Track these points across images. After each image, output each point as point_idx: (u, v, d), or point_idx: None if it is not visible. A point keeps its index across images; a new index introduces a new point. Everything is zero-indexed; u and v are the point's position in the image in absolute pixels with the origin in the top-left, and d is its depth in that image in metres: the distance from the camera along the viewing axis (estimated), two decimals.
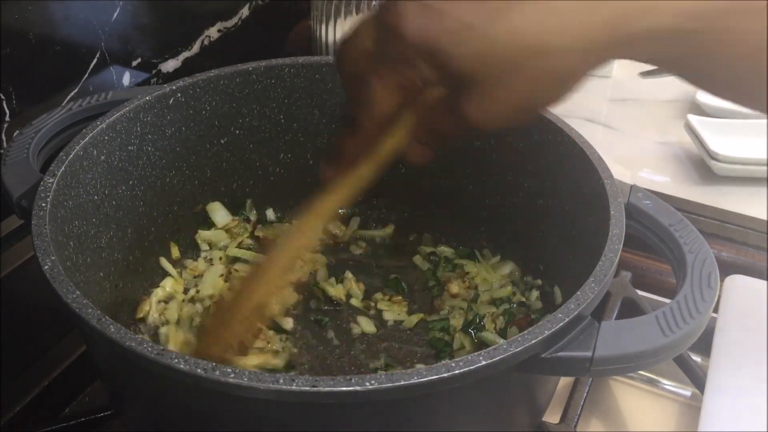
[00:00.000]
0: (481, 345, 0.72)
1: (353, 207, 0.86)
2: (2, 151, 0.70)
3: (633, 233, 0.61)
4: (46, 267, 0.52)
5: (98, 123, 0.66)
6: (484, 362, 0.46)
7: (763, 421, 0.65)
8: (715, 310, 0.74)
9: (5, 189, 0.62)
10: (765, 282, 0.78)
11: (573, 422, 0.67)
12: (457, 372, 0.46)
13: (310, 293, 0.77)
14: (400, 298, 0.77)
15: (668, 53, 0.45)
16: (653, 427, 0.74)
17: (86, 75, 0.87)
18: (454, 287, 0.77)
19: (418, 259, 0.81)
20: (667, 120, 1.15)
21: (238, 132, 0.78)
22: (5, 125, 0.79)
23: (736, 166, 1.00)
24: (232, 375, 0.45)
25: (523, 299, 0.76)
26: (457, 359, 0.46)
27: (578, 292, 0.52)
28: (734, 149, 1.01)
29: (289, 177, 0.83)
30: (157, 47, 0.98)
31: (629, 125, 1.14)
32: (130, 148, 0.70)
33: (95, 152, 0.66)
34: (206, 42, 1.05)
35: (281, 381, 0.44)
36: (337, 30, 1.02)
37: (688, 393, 0.77)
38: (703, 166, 1.02)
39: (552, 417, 0.67)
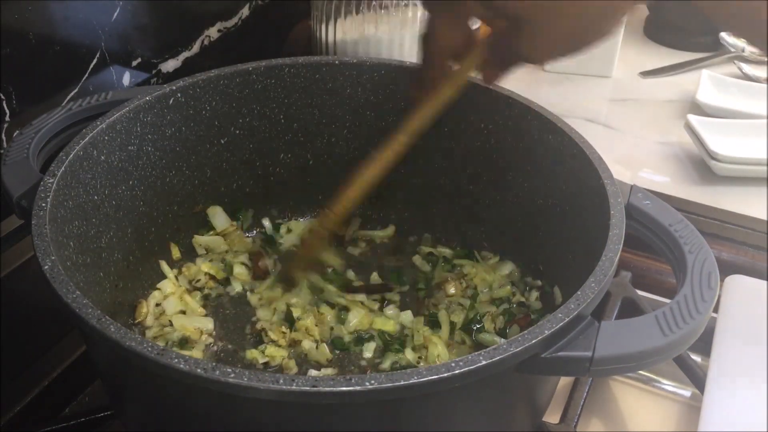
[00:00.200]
0: (478, 346, 0.72)
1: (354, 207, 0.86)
2: (2, 151, 0.70)
3: (633, 233, 0.61)
4: (46, 267, 0.52)
5: (98, 123, 0.66)
6: (484, 362, 0.46)
7: (763, 421, 0.65)
8: (715, 310, 0.74)
9: (5, 189, 0.62)
10: (765, 282, 0.78)
11: (573, 422, 0.68)
12: (457, 372, 0.46)
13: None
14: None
15: None
16: (653, 427, 0.74)
17: (86, 75, 0.87)
18: (451, 288, 0.77)
19: (417, 259, 0.81)
20: (667, 120, 1.15)
21: (238, 132, 0.78)
22: (5, 125, 0.79)
23: (736, 166, 1.00)
24: (232, 375, 0.45)
25: (523, 299, 0.76)
26: (457, 359, 0.46)
27: (578, 292, 0.52)
28: (734, 149, 1.01)
29: (289, 177, 0.83)
30: (157, 47, 0.98)
31: (629, 125, 1.14)
32: (130, 148, 0.70)
33: (95, 152, 0.66)
34: (206, 42, 1.05)
35: (281, 381, 0.44)
36: (337, 30, 1.02)
37: (688, 393, 0.77)
38: (703, 166, 1.02)
39: (552, 417, 0.67)
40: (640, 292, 0.80)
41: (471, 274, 0.79)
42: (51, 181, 0.60)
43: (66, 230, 0.60)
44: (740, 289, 0.78)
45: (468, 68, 0.65)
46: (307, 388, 0.44)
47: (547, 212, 0.72)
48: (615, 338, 0.50)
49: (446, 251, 0.82)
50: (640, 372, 0.78)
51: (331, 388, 0.44)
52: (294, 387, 0.44)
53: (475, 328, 0.73)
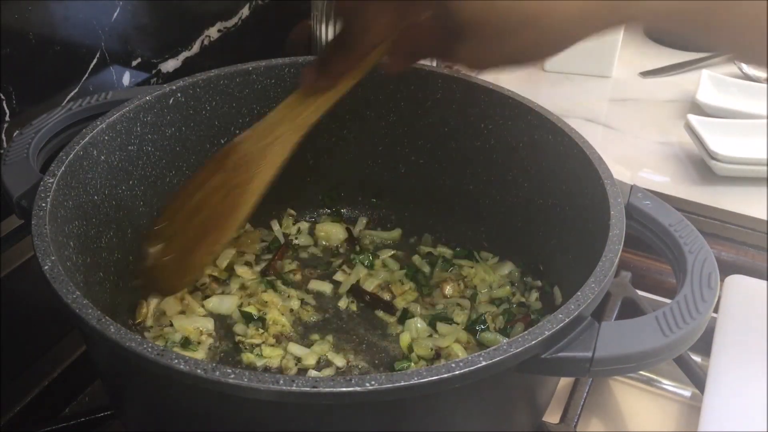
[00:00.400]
0: (481, 345, 0.72)
1: (354, 207, 0.86)
2: (2, 151, 0.70)
3: (633, 233, 0.61)
4: (46, 267, 0.52)
5: (98, 123, 0.66)
6: (484, 363, 0.46)
7: (763, 421, 0.65)
8: (715, 310, 0.74)
9: (5, 189, 0.62)
10: (765, 282, 0.78)
11: (573, 422, 0.68)
12: (457, 372, 0.46)
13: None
14: None
15: (668, 26, 0.47)
16: (653, 427, 0.74)
17: (86, 75, 0.87)
18: (448, 288, 0.77)
19: (417, 259, 0.81)
20: (667, 120, 1.15)
21: (238, 132, 0.78)
22: (5, 125, 0.79)
23: (736, 166, 1.00)
24: (232, 375, 0.45)
25: (523, 299, 0.76)
26: (457, 359, 0.46)
27: (578, 293, 0.52)
28: (734, 149, 1.01)
29: (289, 177, 0.83)
30: (157, 47, 0.98)
31: (629, 125, 1.14)
32: (130, 148, 0.70)
33: (95, 152, 0.66)
34: (206, 42, 1.05)
35: (281, 381, 0.44)
36: (337, 30, 1.02)
37: (688, 393, 0.77)
38: (703, 166, 1.02)
39: (552, 417, 0.67)
40: (640, 292, 0.80)
41: (470, 274, 0.78)
42: (51, 181, 0.60)
43: (66, 230, 0.60)
44: (740, 289, 0.78)
45: (382, 53, 0.59)
46: (307, 389, 0.44)
47: (547, 212, 0.72)
48: (615, 339, 0.50)
49: (446, 251, 0.82)
50: (640, 372, 0.78)
51: (331, 389, 0.44)
52: (294, 388, 0.44)
53: (479, 328, 0.73)
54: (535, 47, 0.49)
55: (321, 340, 0.72)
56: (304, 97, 0.62)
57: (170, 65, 1.00)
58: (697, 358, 0.75)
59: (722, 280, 0.71)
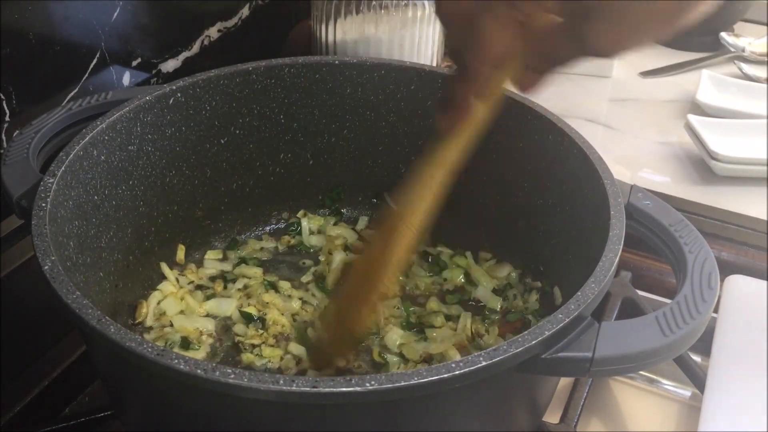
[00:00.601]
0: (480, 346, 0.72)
1: (354, 207, 0.86)
2: (2, 151, 0.70)
3: (633, 233, 0.61)
4: (46, 267, 0.52)
5: (98, 123, 0.66)
6: (484, 363, 0.46)
7: (763, 421, 0.65)
8: (715, 310, 0.74)
9: (5, 189, 0.62)
10: (765, 282, 0.78)
11: (573, 422, 0.67)
12: (457, 372, 0.46)
13: None
14: None
15: None
16: (653, 427, 0.74)
17: (86, 75, 0.87)
18: (433, 305, 0.76)
19: (416, 259, 0.81)
20: (667, 120, 1.15)
21: (238, 132, 0.78)
22: (5, 125, 0.79)
23: (736, 166, 0.99)
24: (232, 375, 0.45)
25: (522, 301, 0.76)
26: (457, 360, 0.46)
27: (578, 293, 0.52)
28: (734, 149, 1.01)
29: (289, 177, 0.83)
30: (157, 47, 0.98)
31: (629, 125, 1.14)
32: (130, 148, 0.70)
33: (95, 152, 0.66)
34: (206, 42, 1.05)
35: (281, 381, 0.44)
36: (337, 30, 1.02)
37: (688, 393, 0.77)
38: (703, 166, 1.02)
39: (552, 417, 0.67)
40: (640, 292, 0.80)
41: (470, 274, 0.78)
42: (51, 181, 0.60)
43: (66, 230, 0.60)
44: (740, 289, 0.78)
45: (508, 75, 0.51)
46: (307, 389, 0.44)
47: (547, 212, 0.72)
48: (615, 339, 0.50)
49: (446, 251, 0.81)
50: (640, 372, 0.78)
51: (331, 389, 0.44)
52: (294, 387, 0.44)
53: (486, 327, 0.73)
54: (666, 16, 0.45)
55: None
56: (446, 143, 0.56)
57: (170, 65, 1.00)
58: (697, 358, 0.75)
59: (722, 280, 0.71)
